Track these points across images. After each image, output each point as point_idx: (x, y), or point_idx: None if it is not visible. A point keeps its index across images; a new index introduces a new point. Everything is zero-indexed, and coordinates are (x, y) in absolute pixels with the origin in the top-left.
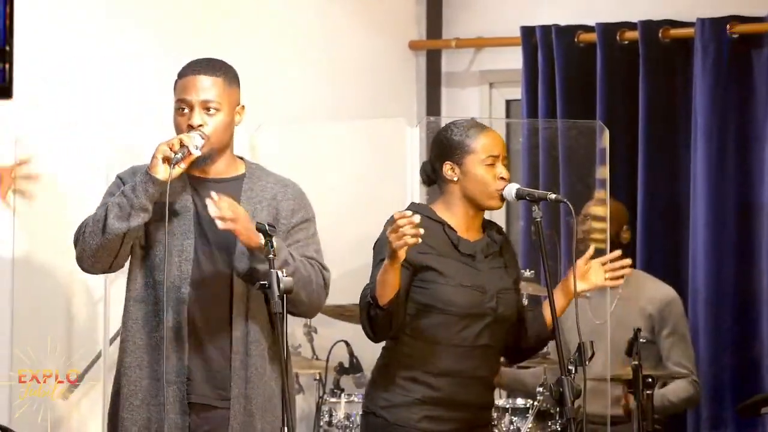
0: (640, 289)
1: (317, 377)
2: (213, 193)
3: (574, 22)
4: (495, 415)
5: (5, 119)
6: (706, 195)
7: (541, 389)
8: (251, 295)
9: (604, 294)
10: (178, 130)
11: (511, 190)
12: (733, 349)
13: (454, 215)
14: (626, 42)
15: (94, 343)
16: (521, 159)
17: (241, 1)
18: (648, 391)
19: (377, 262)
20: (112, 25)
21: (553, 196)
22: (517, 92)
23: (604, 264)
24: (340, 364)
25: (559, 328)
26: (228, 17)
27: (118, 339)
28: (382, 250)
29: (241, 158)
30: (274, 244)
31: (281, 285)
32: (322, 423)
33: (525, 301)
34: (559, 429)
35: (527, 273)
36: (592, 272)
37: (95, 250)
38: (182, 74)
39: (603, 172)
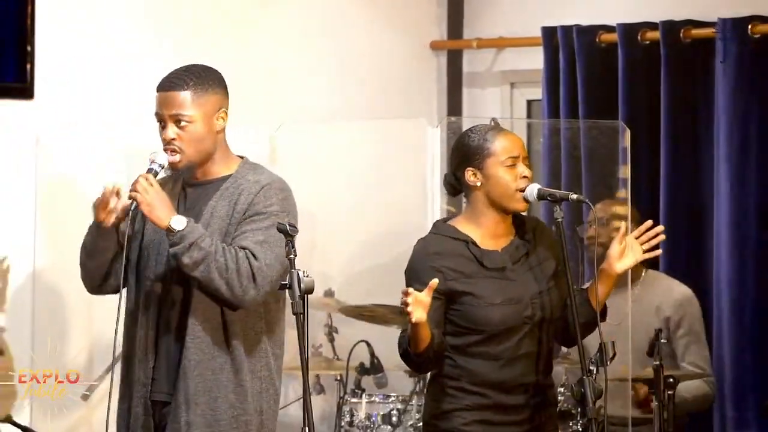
0: (656, 289)
1: (338, 377)
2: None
3: (596, 22)
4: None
5: (27, 118)
6: (729, 194)
7: (562, 389)
8: (196, 293)
9: (619, 295)
10: (162, 143)
11: (532, 190)
12: (757, 349)
13: (481, 225)
14: (647, 42)
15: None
16: (542, 159)
17: (262, 1)
18: (669, 392)
19: None
20: (130, 26)
21: (574, 196)
22: (538, 92)
23: (638, 237)
24: (361, 365)
25: (579, 329)
26: (250, 16)
27: None
28: (410, 284)
29: (242, 157)
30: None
31: (302, 285)
32: (343, 423)
33: None
34: (580, 429)
35: None
36: (628, 250)
37: (84, 278)
38: (157, 88)
39: (624, 172)
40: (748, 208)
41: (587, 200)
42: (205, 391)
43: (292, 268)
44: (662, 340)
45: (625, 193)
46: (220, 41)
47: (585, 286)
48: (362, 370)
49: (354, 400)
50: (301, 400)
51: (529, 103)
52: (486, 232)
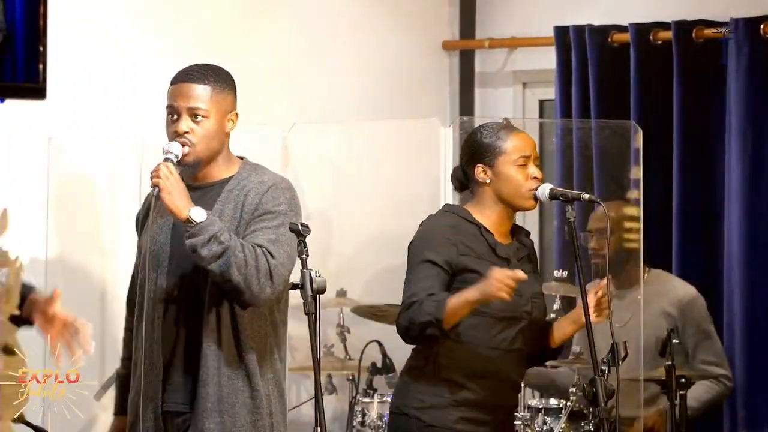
0: (661, 289)
1: (350, 377)
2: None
3: (608, 22)
4: (528, 415)
5: (39, 119)
6: (741, 194)
7: (574, 389)
8: (208, 297)
9: (623, 296)
10: (168, 136)
11: (544, 190)
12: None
13: (488, 218)
14: (660, 42)
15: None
16: (555, 159)
17: (275, 1)
18: (681, 392)
19: (418, 263)
20: (142, 26)
21: (587, 196)
22: (550, 92)
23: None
24: (373, 364)
25: (591, 328)
26: (264, 17)
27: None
28: (420, 251)
29: (241, 158)
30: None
31: (314, 285)
32: (355, 423)
33: (557, 304)
34: (592, 429)
35: (560, 273)
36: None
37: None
38: (173, 81)
39: (637, 172)
40: (761, 208)
41: (599, 200)
42: (224, 398)
43: (304, 267)
44: (675, 341)
45: (637, 193)
46: (234, 42)
47: (552, 317)
48: (374, 369)
49: (366, 399)
50: (313, 399)
51: (542, 102)
52: (493, 226)
